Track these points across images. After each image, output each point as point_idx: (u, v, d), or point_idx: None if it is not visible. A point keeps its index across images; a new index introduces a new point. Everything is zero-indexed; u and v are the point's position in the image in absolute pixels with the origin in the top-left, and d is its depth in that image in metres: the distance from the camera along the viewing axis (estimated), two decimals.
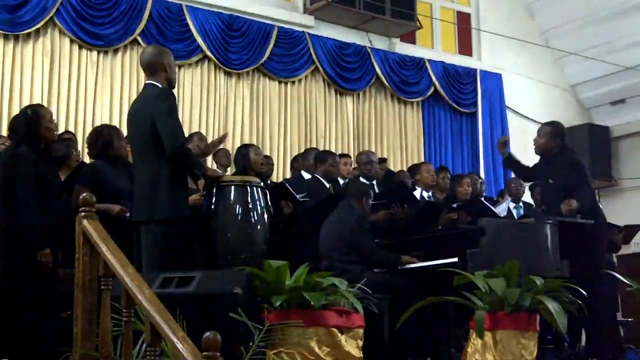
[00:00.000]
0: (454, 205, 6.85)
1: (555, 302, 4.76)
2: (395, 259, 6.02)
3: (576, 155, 6.62)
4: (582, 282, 5.41)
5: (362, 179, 7.25)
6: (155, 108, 4.66)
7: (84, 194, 3.61)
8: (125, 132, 6.08)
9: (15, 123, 5.27)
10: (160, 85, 4.81)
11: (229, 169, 7.87)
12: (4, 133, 7.31)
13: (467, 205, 7.03)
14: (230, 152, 8.31)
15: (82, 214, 3.52)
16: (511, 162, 7.03)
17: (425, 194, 7.37)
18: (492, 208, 6.84)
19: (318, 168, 7.07)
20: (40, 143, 4.94)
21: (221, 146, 8.87)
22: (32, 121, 4.94)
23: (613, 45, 11.75)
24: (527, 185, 9.02)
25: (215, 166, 7.94)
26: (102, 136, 5.54)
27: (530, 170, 6.95)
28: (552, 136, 6.48)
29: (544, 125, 6.74)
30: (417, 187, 7.45)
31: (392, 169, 10.03)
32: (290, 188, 6.52)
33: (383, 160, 9.01)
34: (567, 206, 6.14)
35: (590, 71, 12.26)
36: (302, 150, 9.09)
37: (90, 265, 3.47)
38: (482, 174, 10.90)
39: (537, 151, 6.61)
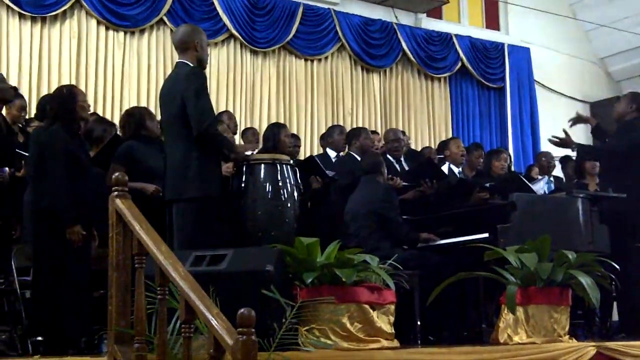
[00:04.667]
0: (487, 185, 6.77)
1: (587, 276, 4.73)
2: (414, 237, 5.99)
3: None
4: (617, 257, 5.38)
5: (388, 156, 7.22)
6: (185, 87, 4.67)
7: (117, 174, 3.63)
8: (155, 112, 6.12)
9: (48, 102, 5.30)
10: (191, 64, 4.82)
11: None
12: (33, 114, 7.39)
13: (504, 181, 6.92)
14: (258, 130, 8.31)
15: (115, 193, 3.54)
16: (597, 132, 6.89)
17: (455, 169, 7.32)
18: (530, 185, 6.74)
19: (353, 145, 7.05)
20: (75, 122, 4.98)
21: (249, 125, 8.93)
22: (66, 100, 4.96)
23: None
24: (557, 158, 8.95)
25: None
26: (134, 117, 5.58)
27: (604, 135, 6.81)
28: (628, 102, 6.45)
29: (628, 93, 6.76)
30: (445, 162, 7.41)
31: (419, 145, 10.03)
32: (319, 162, 6.51)
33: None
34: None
35: (619, 43, 12.09)
36: None
37: (124, 244, 3.49)
38: (510, 149, 10.84)
39: (615, 116, 6.58)
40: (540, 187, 7.67)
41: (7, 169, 5.12)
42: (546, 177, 8.31)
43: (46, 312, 4.67)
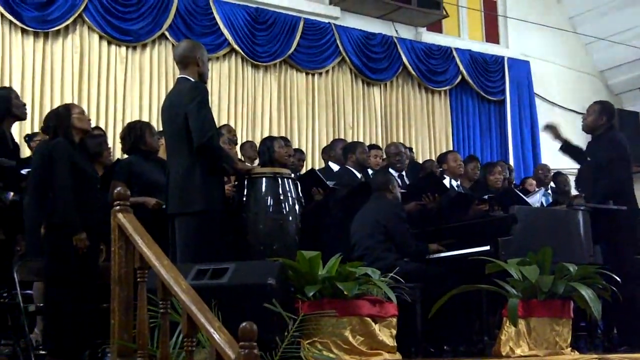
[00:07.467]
0: (486, 197, 6.78)
1: (589, 288, 4.74)
2: (423, 249, 6.00)
3: (618, 135, 6.47)
4: (616, 269, 5.37)
5: (391, 170, 7.24)
6: (187, 101, 4.69)
7: (118, 188, 3.66)
8: (157, 127, 6.15)
9: (48, 120, 5.35)
10: (192, 79, 4.85)
11: (256, 161, 7.89)
12: (37, 130, 7.41)
13: (499, 195, 6.94)
14: (257, 144, 8.33)
15: (117, 207, 3.56)
16: (568, 148, 6.76)
17: (454, 183, 7.34)
18: (525, 198, 6.74)
19: (349, 159, 7.07)
20: (74, 135, 5.04)
21: (249, 138, 8.95)
22: (63, 115, 5.06)
23: None
24: (553, 172, 8.96)
25: (242, 159, 7.97)
26: (134, 131, 5.62)
27: (582, 154, 6.67)
28: (598, 114, 6.38)
29: (593, 103, 6.61)
30: (445, 176, 7.43)
31: (420, 158, 10.04)
32: (320, 174, 6.53)
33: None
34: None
35: (619, 56, 12.15)
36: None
37: (126, 258, 3.51)
38: (511, 162, 10.85)
39: (585, 129, 6.51)
40: (537, 199, 7.68)
41: (11, 193, 5.15)
42: (542, 189, 8.32)
43: (54, 324, 4.71)
